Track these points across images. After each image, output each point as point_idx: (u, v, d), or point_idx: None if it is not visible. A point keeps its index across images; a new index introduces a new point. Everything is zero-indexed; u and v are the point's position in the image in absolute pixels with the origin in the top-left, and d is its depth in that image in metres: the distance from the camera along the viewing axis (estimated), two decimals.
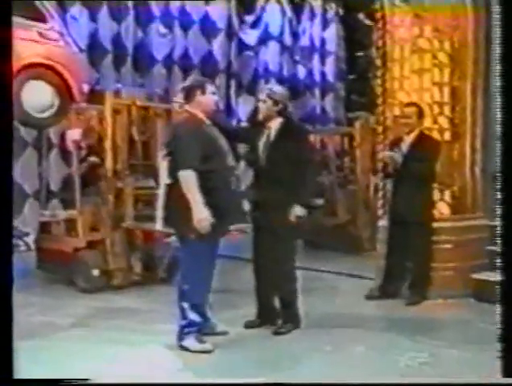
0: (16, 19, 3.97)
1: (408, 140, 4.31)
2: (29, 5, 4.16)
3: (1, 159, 2.18)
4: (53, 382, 2.40)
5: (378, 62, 4.90)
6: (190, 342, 3.14)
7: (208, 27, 7.43)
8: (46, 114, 4.20)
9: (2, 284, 2.18)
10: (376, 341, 3.45)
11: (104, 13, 6.46)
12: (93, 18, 6.29)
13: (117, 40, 6.52)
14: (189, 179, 2.99)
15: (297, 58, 8.32)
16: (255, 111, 3.71)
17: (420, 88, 4.58)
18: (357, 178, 6.64)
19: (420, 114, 4.33)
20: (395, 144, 4.41)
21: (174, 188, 3.08)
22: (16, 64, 4.01)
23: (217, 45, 7.56)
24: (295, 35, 8.31)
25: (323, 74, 8.76)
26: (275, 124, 3.46)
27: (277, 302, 3.59)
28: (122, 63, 6.54)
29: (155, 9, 6.91)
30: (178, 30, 7.12)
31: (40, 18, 4.23)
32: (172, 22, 7.03)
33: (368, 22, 7.63)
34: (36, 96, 4.11)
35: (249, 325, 3.56)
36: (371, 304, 4.31)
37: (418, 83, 4.59)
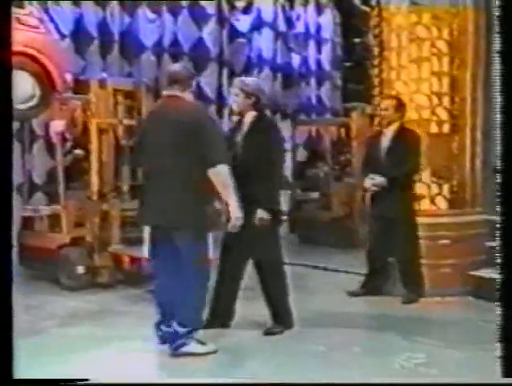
0: None
1: (388, 133, 4.23)
2: None
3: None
4: (53, 382, 2.38)
5: (375, 50, 4.77)
6: (194, 346, 2.99)
7: (198, 13, 7.16)
8: (27, 105, 4.02)
9: (2, 285, 2.18)
10: (370, 341, 3.38)
11: None
12: (76, 2, 6.02)
13: (102, 26, 6.25)
14: (228, 175, 2.79)
15: (291, 45, 8.09)
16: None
17: (418, 77, 4.48)
18: (353, 170, 6.48)
19: (399, 107, 4.23)
20: (375, 137, 4.36)
21: (185, 191, 2.81)
22: None
23: (208, 32, 7.30)
24: (289, 22, 8.06)
25: (318, 62, 8.53)
26: (249, 117, 3.35)
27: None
28: (109, 51, 6.29)
29: None
30: (167, 16, 6.86)
31: (18, 3, 4.02)
32: (160, 7, 6.78)
33: (364, 7, 7.42)
34: (16, 87, 3.90)
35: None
36: (367, 301, 4.22)
37: (416, 72, 4.49)
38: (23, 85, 3.99)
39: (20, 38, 3.94)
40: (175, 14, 6.90)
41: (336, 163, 6.86)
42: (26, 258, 4.79)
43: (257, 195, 3.17)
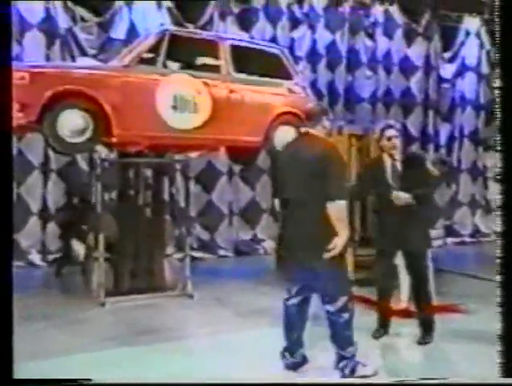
0: (270, 80, 5.42)
1: None
2: (279, 66, 5.55)
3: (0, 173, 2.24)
4: (53, 382, 2.44)
5: None
6: (362, 368, 3.10)
7: (406, 66, 8.44)
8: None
9: (3, 285, 2.17)
10: None
11: (322, 64, 7.91)
12: (313, 69, 7.76)
13: (330, 85, 7.92)
14: (343, 210, 2.99)
15: (495, 84, 8.63)
16: None
17: None
18: None
19: None
20: None
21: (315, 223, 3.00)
22: (271, 113, 5.40)
23: (415, 81, 8.49)
24: (494, 64, 8.65)
25: None
26: (400, 155, 3.83)
27: None
28: (334, 104, 7.86)
29: (363, 56, 8.16)
30: (381, 72, 8.25)
31: (288, 75, 5.60)
32: (377, 65, 8.20)
33: None
34: (284, 138, 5.45)
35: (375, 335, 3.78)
36: None
37: None
38: (287, 136, 5.50)
39: (289, 102, 5.52)
40: (388, 70, 8.25)
41: None
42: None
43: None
